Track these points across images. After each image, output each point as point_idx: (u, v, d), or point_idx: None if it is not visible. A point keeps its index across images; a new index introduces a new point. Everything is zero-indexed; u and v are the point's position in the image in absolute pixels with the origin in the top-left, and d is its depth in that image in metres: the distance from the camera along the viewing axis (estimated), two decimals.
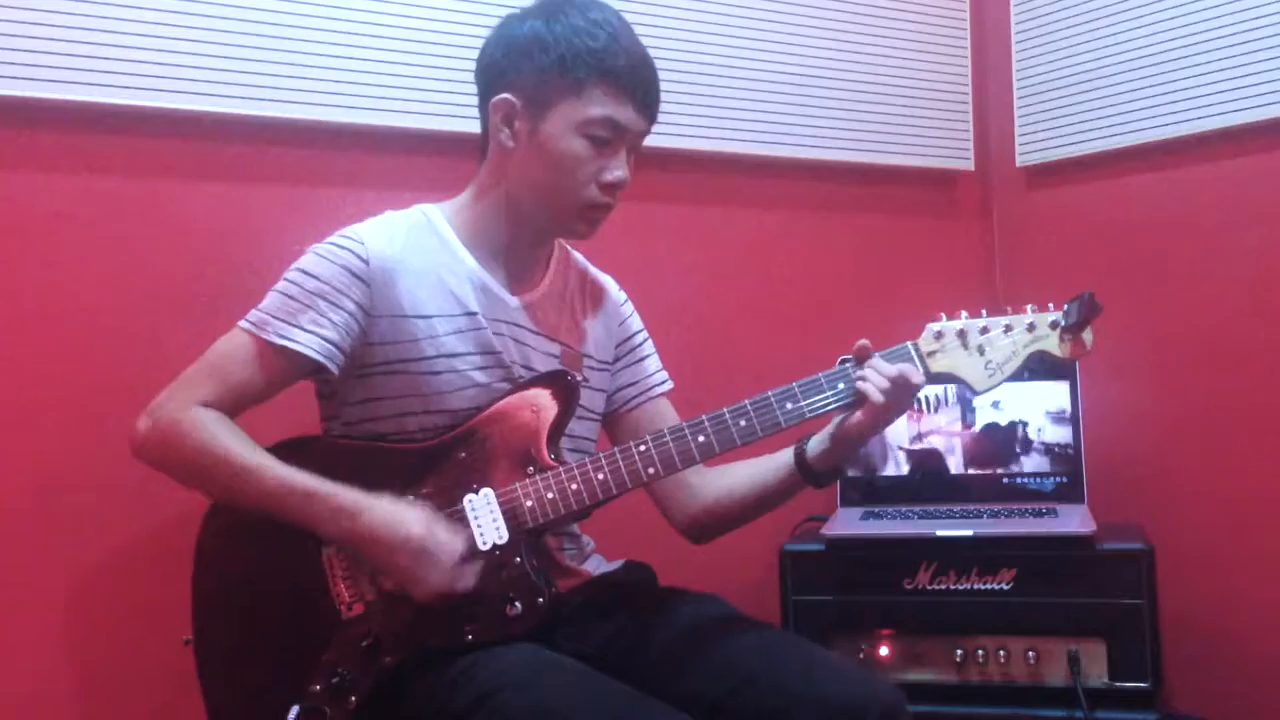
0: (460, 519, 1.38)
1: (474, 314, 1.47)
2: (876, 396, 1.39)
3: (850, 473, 2.15)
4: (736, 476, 1.58)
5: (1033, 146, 2.40)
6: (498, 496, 1.39)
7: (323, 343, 1.40)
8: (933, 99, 2.41)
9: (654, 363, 1.69)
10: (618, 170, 1.45)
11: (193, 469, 1.38)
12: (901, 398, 1.41)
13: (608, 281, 1.68)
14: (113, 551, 1.71)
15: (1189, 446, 2.19)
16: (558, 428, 1.44)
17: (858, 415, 1.42)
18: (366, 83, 1.87)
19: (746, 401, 1.42)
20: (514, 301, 1.52)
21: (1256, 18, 2.05)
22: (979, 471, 2.13)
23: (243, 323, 1.42)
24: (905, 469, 2.15)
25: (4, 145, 1.67)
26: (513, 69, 1.46)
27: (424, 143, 1.94)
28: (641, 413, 1.64)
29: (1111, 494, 2.11)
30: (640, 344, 1.68)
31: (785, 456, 1.53)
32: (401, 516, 1.33)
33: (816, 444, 1.50)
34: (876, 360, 1.41)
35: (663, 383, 1.68)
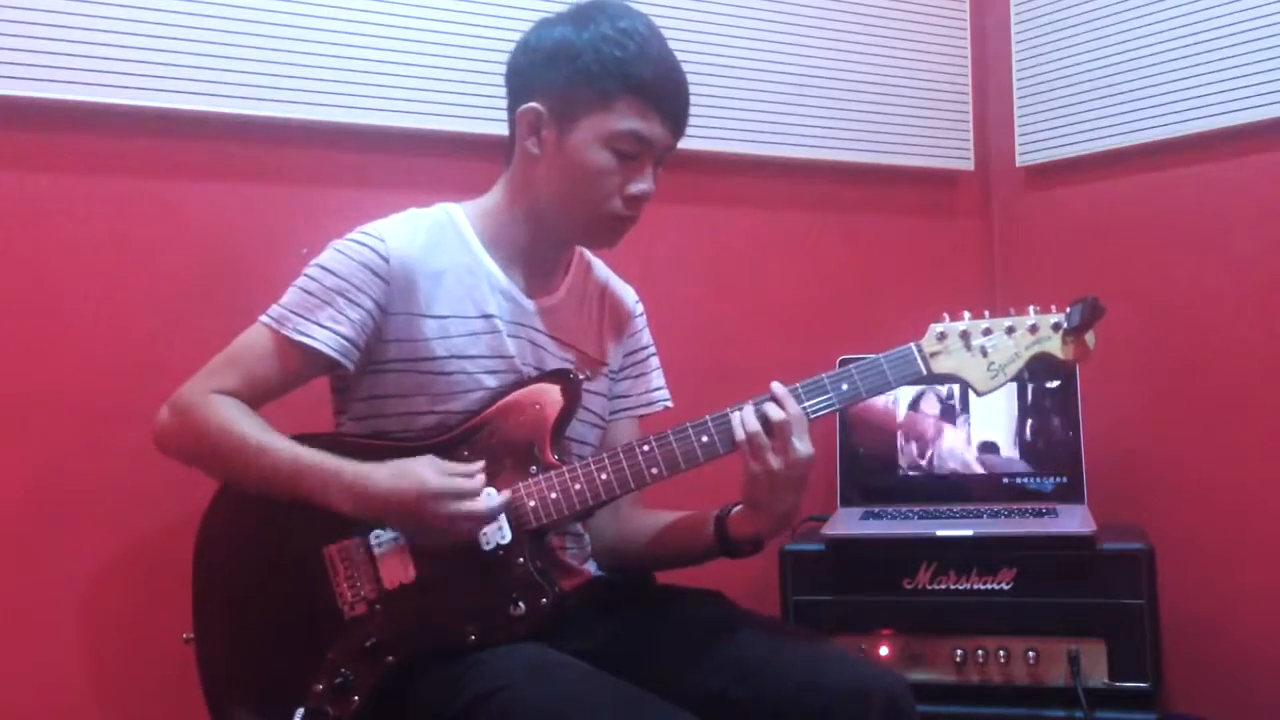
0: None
1: (491, 316, 1.47)
2: (740, 436, 1.36)
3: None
4: (660, 520, 1.57)
5: (1033, 146, 2.40)
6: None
7: (340, 340, 1.41)
8: (933, 99, 2.41)
9: (654, 380, 1.68)
10: (642, 184, 1.45)
11: (209, 451, 1.38)
12: (785, 447, 1.36)
13: (626, 291, 1.68)
14: (114, 550, 1.71)
15: (1189, 446, 2.19)
16: (560, 427, 1.44)
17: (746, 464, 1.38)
18: (368, 83, 1.87)
19: (749, 402, 1.41)
20: (531, 305, 1.52)
21: (1256, 18, 2.05)
22: (979, 471, 2.13)
23: (263, 317, 1.43)
24: (905, 469, 2.15)
25: (4, 145, 1.67)
26: (540, 77, 1.45)
27: (426, 143, 1.94)
28: (615, 428, 1.63)
29: (1111, 494, 2.11)
30: (644, 359, 1.68)
31: (711, 512, 1.50)
32: (411, 472, 1.33)
33: (740, 509, 1.47)
34: (767, 403, 1.38)
35: (652, 404, 1.67)
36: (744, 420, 1.37)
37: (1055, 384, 2.09)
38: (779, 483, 1.37)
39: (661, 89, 1.44)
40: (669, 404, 1.68)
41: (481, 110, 1.87)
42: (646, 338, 1.69)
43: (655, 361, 1.69)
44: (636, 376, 1.67)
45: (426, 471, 1.33)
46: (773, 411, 1.37)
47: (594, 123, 1.42)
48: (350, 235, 1.46)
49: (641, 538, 1.58)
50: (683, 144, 2.12)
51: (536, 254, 1.53)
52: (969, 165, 2.45)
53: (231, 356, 1.43)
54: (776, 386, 1.39)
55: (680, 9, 2.15)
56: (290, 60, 1.81)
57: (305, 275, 1.44)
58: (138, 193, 1.76)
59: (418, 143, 1.94)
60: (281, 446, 1.36)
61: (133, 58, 1.70)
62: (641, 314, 1.69)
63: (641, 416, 1.66)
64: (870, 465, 2.16)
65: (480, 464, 1.36)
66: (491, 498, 1.34)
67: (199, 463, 1.40)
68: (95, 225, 1.73)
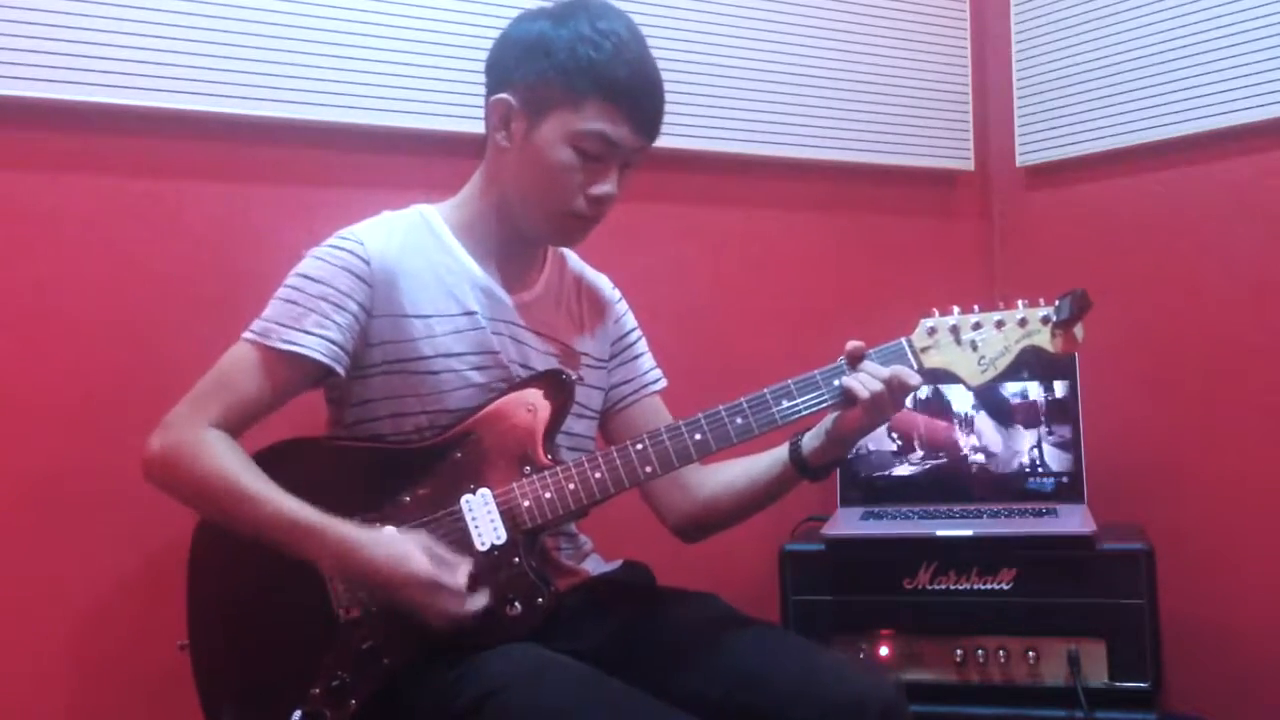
0: (457, 520, 1.38)
1: (473, 314, 1.47)
2: (866, 396, 1.39)
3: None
4: (733, 473, 1.58)
5: (1033, 146, 2.40)
6: (495, 497, 1.39)
7: (328, 344, 1.40)
8: (933, 99, 2.41)
9: (647, 360, 1.69)
10: (604, 186, 1.44)
11: (195, 493, 1.37)
12: (896, 399, 1.41)
13: (601, 280, 1.68)
14: (108, 556, 1.71)
15: (1189, 446, 2.19)
16: (554, 426, 1.44)
17: (852, 414, 1.42)
18: (366, 83, 1.87)
19: (743, 399, 1.42)
20: (511, 301, 1.52)
21: (1256, 18, 2.05)
22: (979, 471, 2.13)
23: (247, 333, 1.41)
24: (905, 469, 2.15)
25: (4, 145, 1.67)
26: (515, 69, 1.45)
27: (424, 143, 1.94)
28: (634, 411, 1.64)
29: (1111, 494, 2.11)
30: (634, 342, 1.68)
31: (780, 453, 1.53)
32: (404, 551, 1.31)
33: (811, 440, 1.50)
34: (869, 363, 1.42)
35: (655, 381, 1.68)
36: (865, 382, 1.39)
37: (1055, 383, 2.09)
38: (871, 427, 1.45)
39: (632, 93, 1.43)
40: (665, 383, 1.69)
41: (479, 110, 1.86)
42: (631, 320, 1.69)
43: (644, 344, 1.70)
44: (634, 359, 1.67)
45: (417, 557, 1.31)
46: (880, 371, 1.40)
47: (561, 120, 1.42)
48: (328, 241, 1.45)
49: (725, 495, 1.58)
50: (683, 144, 2.12)
51: (510, 248, 1.53)
52: (969, 165, 2.45)
53: (219, 378, 1.40)
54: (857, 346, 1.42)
55: (680, 9, 2.14)
56: (288, 61, 1.81)
57: (286, 285, 1.43)
58: (136, 192, 1.76)
59: (415, 142, 1.94)
60: (268, 498, 1.33)
61: (133, 58, 1.70)
62: (621, 299, 1.69)
63: (659, 393, 1.68)
64: (870, 465, 2.16)
65: (468, 565, 1.34)
66: (475, 600, 1.34)
67: (180, 500, 1.39)
68: (93, 224, 1.73)
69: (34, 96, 1.65)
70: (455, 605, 1.32)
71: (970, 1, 2.46)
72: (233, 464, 1.35)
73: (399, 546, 1.32)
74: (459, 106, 1.91)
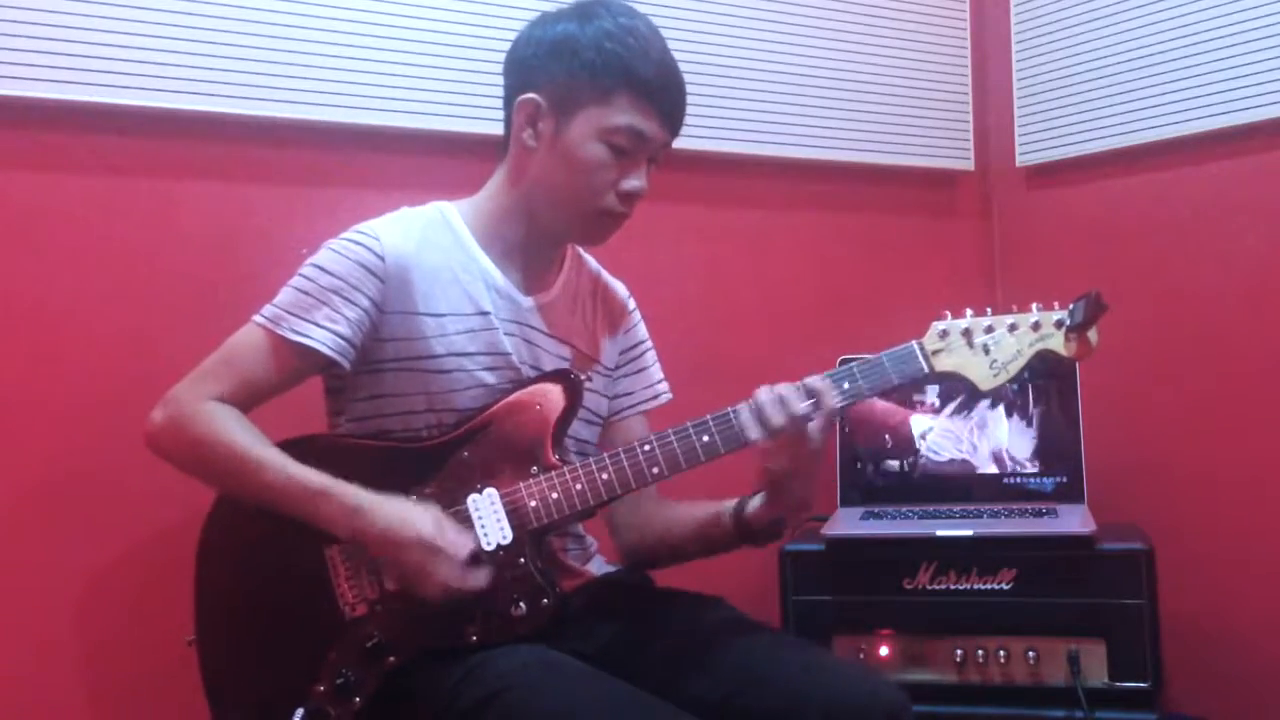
0: (464, 518, 1.38)
1: (486, 314, 1.47)
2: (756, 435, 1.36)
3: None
4: (680, 513, 1.57)
5: (1033, 146, 2.40)
6: (501, 496, 1.39)
7: (336, 339, 1.40)
8: (933, 99, 2.41)
9: (654, 373, 1.68)
10: (636, 181, 1.46)
11: (201, 461, 1.38)
12: (800, 425, 1.35)
13: (618, 287, 1.68)
14: (115, 551, 1.71)
15: (1189, 447, 2.19)
16: (562, 427, 1.44)
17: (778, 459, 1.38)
18: (368, 83, 1.87)
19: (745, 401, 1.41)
20: (527, 302, 1.52)
21: (1256, 18, 2.06)
22: (979, 471, 2.13)
23: (257, 317, 1.42)
24: (905, 469, 2.15)
25: (4, 145, 1.67)
26: (541, 69, 1.45)
27: (425, 143, 1.94)
28: (631, 424, 1.63)
29: (1111, 494, 2.11)
30: (641, 354, 1.68)
31: (728, 504, 1.50)
32: (411, 514, 1.33)
33: (757, 499, 1.47)
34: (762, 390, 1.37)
35: (658, 395, 1.67)
36: (762, 414, 1.35)
37: (1056, 383, 2.09)
38: (798, 471, 1.39)
39: (660, 86, 1.45)
40: (670, 396, 1.68)
41: (480, 110, 1.86)
42: (642, 332, 1.69)
43: (653, 355, 1.69)
44: (638, 372, 1.67)
45: (423, 521, 1.32)
46: (799, 406, 1.35)
47: (591, 116, 1.43)
48: (345, 234, 1.46)
49: (667, 534, 1.58)
50: (683, 144, 2.12)
51: (531, 250, 1.53)
52: (969, 165, 2.45)
53: (225, 358, 1.41)
54: (813, 381, 1.38)
55: (680, 9, 2.15)
56: (289, 60, 1.81)
57: (300, 275, 1.44)
58: (137, 192, 1.76)
59: (416, 142, 1.94)
60: (276, 463, 1.34)
61: (133, 58, 1.70)
62: (634, 309, 1.69)
63: (647, 411, 1.66)
64: (870, 465, 2.16)
65: (470, 542, 1.35)
66: (474, 577, 1.34)
67: (191, 472, 1.39)
68: (94, 225, 1.73)
69: (34, 96, 1.64)
70: (453, 575, 1.32)
71: (970, 1, 2.46)
72: (236, 431, 1.36)
73: (407, 510, 1.33)
74: (461, 107, 1.91)
